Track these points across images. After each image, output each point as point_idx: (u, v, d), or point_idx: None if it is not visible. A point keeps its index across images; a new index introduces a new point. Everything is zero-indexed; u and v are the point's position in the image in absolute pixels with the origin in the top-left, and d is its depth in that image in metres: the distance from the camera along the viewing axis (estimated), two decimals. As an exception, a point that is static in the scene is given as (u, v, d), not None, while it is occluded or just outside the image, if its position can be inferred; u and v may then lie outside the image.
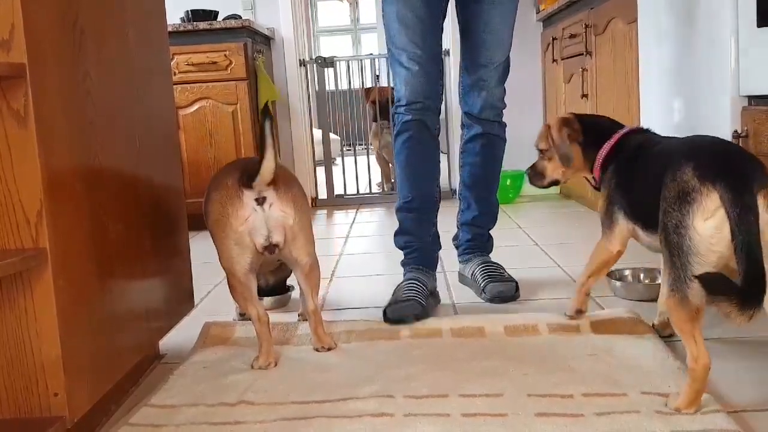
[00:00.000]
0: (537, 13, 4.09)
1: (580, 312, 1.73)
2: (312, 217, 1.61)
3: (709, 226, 1.14)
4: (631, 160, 1.50)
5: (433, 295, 1.98)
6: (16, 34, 1.06)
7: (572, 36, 3.45)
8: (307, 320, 1.68)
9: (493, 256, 2.19)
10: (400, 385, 1.40)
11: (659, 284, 2.02)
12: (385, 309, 1.84)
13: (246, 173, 1.47)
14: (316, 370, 1.53)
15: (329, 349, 1.63)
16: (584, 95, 3.30)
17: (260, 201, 1.47)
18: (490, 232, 2.20)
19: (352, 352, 1.63)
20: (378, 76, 4.94)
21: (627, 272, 2.08)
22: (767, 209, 1.14)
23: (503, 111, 2.11)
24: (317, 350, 1.62)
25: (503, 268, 2.11)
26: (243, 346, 1.68)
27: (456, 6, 2.04)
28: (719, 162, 1.19)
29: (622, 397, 1.30)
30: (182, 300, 1.74)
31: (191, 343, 1.74)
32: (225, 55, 3.41)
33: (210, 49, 3.40)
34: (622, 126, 1.63)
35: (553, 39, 3.81)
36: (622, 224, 1.52)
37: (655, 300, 1.96)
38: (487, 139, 2.10)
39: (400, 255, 2.07)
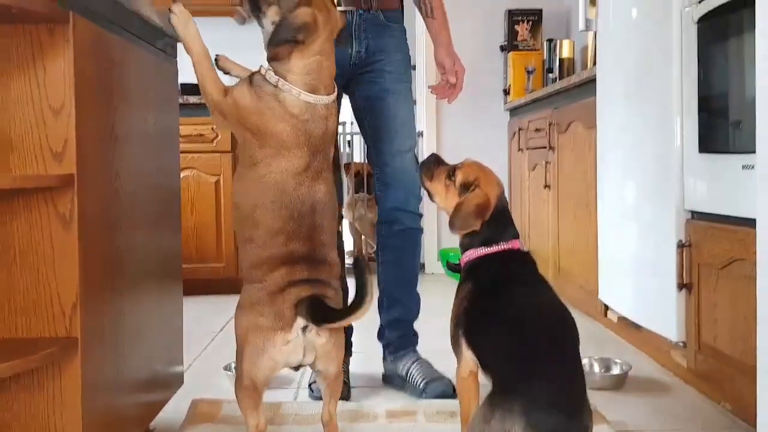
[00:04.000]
0: (505, 103, 4.37)
1: None
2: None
3: None
4: (489, 290, 1.41)
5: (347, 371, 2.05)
6: (68, 148, 1.20)
7: (537, 130, 3.68)
8: (314, 394, 1.93)
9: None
10: (381, 468, 1.52)
11: (615, 374, 2.19)
12: (311, 384, 2.04)
13: (308, 306, 1.45)
14: (302, 450, 1.63)
15: None
16: (547, 185, 3.52)
17: (305, 328, 1.47)
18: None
19: (333, 432, 1.74)
20: (350, 142, 5.05)
21: (584, 361, 2.24)
22: None
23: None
24: None
25: (432, 365, 2.09)
26: (230, 424, 1.77)
27: (361, 110, 2.11)
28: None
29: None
30: (173, 376, 1.82)
31: (179, 417, 1.82)
32: (212, 128, 3.58)
33: (198, 121, 3.55)
34: (508, 237, 1.46)
35: (519, 129, 4.05)
36: (466, 354, 1.43)
37: (610, 389, 2.11)
38: (409, 233, 2.11)
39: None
